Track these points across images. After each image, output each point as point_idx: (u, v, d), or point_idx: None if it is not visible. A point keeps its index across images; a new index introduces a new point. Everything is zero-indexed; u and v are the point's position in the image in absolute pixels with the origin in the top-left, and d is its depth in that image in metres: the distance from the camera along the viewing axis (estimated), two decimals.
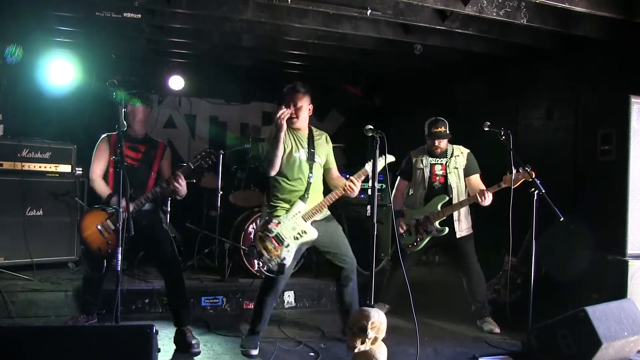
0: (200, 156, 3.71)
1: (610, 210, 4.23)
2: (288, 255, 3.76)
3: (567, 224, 4.03)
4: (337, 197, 3.85)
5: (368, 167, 3.74)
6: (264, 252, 3.75)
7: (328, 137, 4.11)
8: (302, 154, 3.87)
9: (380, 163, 3.54)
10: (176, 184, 3.65)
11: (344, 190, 3.78)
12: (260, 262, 3.79)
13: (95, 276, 3.81)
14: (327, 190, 4.03)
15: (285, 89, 3.93)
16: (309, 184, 3.87)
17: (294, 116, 3.85)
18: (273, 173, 3.83)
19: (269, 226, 3.78)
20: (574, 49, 4.91)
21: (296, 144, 3.88)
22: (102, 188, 3.81)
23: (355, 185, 3.75)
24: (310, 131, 4.01)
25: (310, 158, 3.90)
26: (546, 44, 4.95)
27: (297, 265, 5.15)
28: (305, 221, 3.81)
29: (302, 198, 3.84)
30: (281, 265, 3.73)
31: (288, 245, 3.76)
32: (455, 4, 4.15)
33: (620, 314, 3.54)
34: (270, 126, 7.68)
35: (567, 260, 4.44)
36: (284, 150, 3.81)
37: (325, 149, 4.02)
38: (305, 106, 3.91)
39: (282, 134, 3.71)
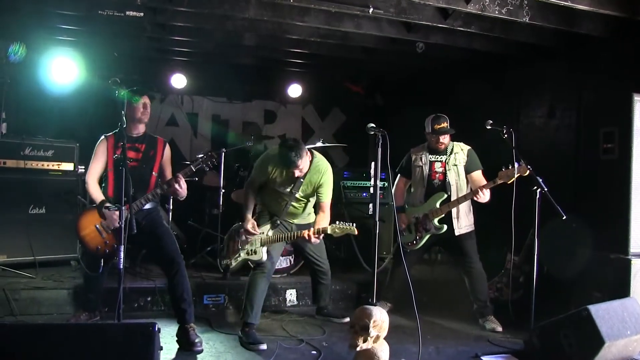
0: (201, 159, 3.73)
1: (613, 209, 4.23)
2: (234, 263, 4.17)
3: (570, 223, 4.03)
4: (294, 238, 4.14)
5: (330, 229, 3.90)
6: (225, 249, 4.19)
7: (326, 173, 4.17)
8: (284, 188, 4.11)
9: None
10: (177, 187, 3.67)
11: (308, 235, 3.97)
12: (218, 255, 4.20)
13: (94, 275, 3.81)
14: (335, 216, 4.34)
15: (283, 158, 3.94)
16: (283, 210, 4.16)
17: (298, 176, 4.04)
18: None
19: (241, 231, 4.12)
20: (577, 47, 4.90)
21: (284, 178, 4.09)
22: (96, 194, 3.74)
23: (314, 239, 3.98)
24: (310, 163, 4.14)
25: (296, 188, 4.10)
26: (548, 42, 4.94)
27: (299, 264, 5.19)
28: (262, 245, 4.09)
29: (273, 222, 4.16)
30: (226, 267, 4.19)
31: (239, 256, 4.14)
32: (458, 2, 4.15)
33: (623, 312, 3.53)
34: (272, 125, 7.78)
35: (570, 259, 4.44)
36: (271, 179, 4.11)
37: (313, 186, 4.14)
38: (305, 166, 4.01)
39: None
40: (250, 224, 4.06)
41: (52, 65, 5.66)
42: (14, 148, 4.97)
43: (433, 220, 4.43)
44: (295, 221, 4.28)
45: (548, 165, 4.63)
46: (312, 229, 3.99)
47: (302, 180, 4.09)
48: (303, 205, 4.26)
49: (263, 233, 4.12)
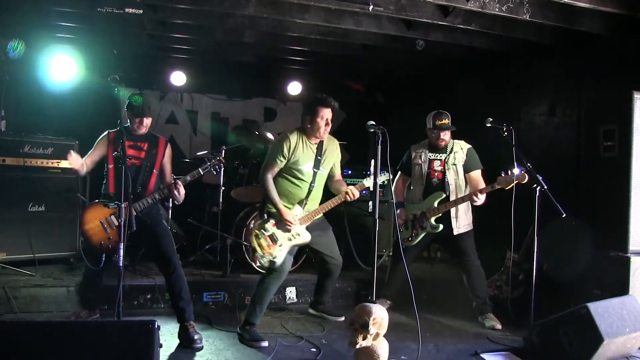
0: (210, 164, 3.80)
1: (613, 207, 4.22)
2: (280, 255, 3.95)
3: (569, 221, 4.03)
4: (336, 203, 4.05)
5: (367, 182, 4.06)
6: (258, 249, 3.94)
7: (338, 145, 4.22)
8: (308, 166, 4.01)
9: (371, 181, 3.76)
10: (175, 193, 3.72)
11: (346, 197, 3.97)
12: (253, 257, 4.01)
13: (93, 270, 3.82)
14: (327, 192, 4.22)
15: (316, 99, 4.00)
16: (309, 191, 4.04)
17: (324, 133, 4.00)
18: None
19: (266, 225, 3.96)
20: (577, 44, 4.89)
21: (305, 155, 4.00)
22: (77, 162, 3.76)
23: (355, 195, 3.97)
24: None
25: (316, 166, 4.04)
26: (549, 40, 4.94)
27: (299, 261, 5.19)
28: (301, 225, 3.99)
29: (301, 203, 4.03)
30: (272, 263, 3.94)
31: (281, 245, 3.96)
32: (458, 0, 4.14)
33: (622, 310, 3.54)
34: (272, 122, 7.76)
35: (569, 257, 4.44)
36: (291, 159, 3.95)
37: (332, 159, 4.16)
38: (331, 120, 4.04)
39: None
40: (290, 214, 3.94)
41: (52, 62, 5.65)
42: (13, 145, 4.97)
43: (430, 219, 4.43)
44: (313, 208, 4.12)
45: (548, 163, 4.64)
46: (351, 187, 3.98)
47: (319, 158, 4.04)
48: (323, 186, 4.17)
49: (297, 216, 4.00)
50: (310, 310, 4.54)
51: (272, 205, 3.99)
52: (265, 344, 3.77)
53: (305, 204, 4.05)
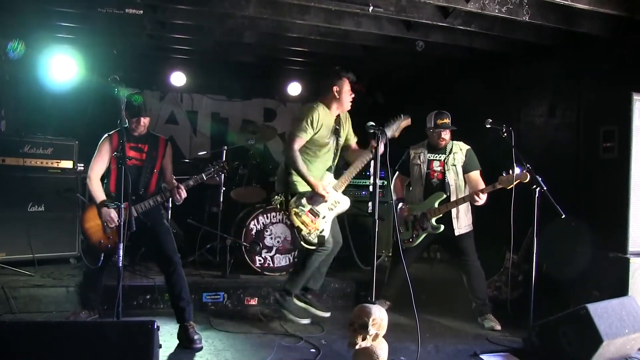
0: (213, 169, 3.81)
1: (612, 208, 4.23)
2: (326, 227, 3.93)
3: (569, 222, 4.03)
4: (366, 161, 4.03)
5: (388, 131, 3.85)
6: (303, 227, 3.90)
7: (347, 114, 4.24)
8: (332, 139, 4.03)
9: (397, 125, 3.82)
10: (176, 196, 3.74)
11: (371, 151, 3.87)
12: (300, 237, 3.95)
13: (93, 269, 3.83)
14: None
15: (339, 69, 4.12)
16: (333, 160, 4.08)
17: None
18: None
19: (302, 201, 3.91)
20: (576, 46, 4.90)
21: (329, 127, 4.01)
22: (97, 192, 3.76)
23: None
24: None
25: (336, 133, 4.07)
26: (548, 41, 4.94)
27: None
28: (337, 191, 3.98)
29: (330, 169, 4.04)
30: (321, 237, 3.91)
31: (324, 217, 3.93)
32: (458, 1, 4.15)
33: (622, 311, 3.54)
34: (271, 123, 7.76)
35: (569, 258, 4.44)
36: (318, 131, 3.94)
37: (347, 128, 4.19)
38: None
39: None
40: (321, 185, 3.88)
41: (52, 62, 5.66)
42: (13, 145, 4.97)
43: (431, 219, 4.43)
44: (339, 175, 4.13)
45: (548, 164, 4.64)
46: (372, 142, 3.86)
47: (338, 127, 4.07)
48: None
49: (329, 183, 3.98)
50: (295, 301, 4.21)
51: (297, 183, 3.93)
52: (307, 321, 3.94)
53: (333, 169, 4.07)
